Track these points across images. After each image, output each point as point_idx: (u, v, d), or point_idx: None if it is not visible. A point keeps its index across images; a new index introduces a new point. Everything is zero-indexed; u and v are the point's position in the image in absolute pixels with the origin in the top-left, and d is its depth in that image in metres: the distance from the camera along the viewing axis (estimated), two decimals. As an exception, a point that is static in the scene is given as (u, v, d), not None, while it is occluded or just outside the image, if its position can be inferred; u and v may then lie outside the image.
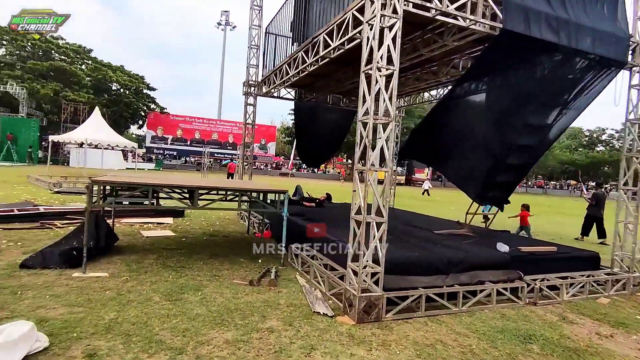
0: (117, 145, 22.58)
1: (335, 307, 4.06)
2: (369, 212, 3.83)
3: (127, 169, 31.10)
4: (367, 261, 3.76)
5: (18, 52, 35.51)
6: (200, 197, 5.97)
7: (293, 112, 63.27)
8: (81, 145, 27.22)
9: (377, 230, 3.77)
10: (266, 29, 9.72)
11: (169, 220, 8.61)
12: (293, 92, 10.26)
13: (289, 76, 7.56)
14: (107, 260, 5.13)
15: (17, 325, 2.73)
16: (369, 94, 3.75)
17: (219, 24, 51.89)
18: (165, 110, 44.59)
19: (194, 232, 7.76)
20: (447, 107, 5.39)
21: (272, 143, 50.49)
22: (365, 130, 3.78)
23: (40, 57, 35.21)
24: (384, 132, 3.78)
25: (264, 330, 3.38)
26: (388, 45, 3.73)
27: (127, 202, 6.80)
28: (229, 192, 6.11)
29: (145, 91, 42.72)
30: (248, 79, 9.79)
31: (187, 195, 5.77)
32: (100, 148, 24.70)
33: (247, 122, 9.89)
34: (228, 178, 22.16)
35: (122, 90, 40.65)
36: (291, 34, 8.95)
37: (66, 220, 7.33)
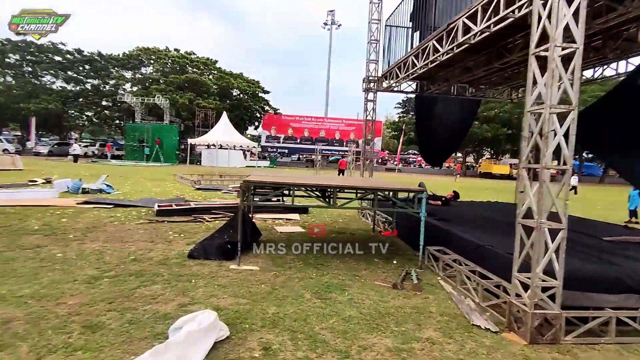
0: (241, 146, 24.83)
1: (495, 321, 3.64)
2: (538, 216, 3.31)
3: (247, 166, 34.16)
4: (540, 273, 3.26)
5: (161, 68, 41.80)
6: (329, 196, 6.07)
7: (401, 105, 61.65)
8: (208, 146, 30.76)
9: (553, 238, 3.24)
10: (386, 22, 9.48)
11: (295, 216, 9.03)
12: (413, 85, 9.84)
13: (416, 68, 7.19)
14: (254, 255, 5.52)
15: (205, 314, 3.01)
16: (543, 79, 3.23)
17: (325, 23, 53.29)
18: (278, 111, 47.66)
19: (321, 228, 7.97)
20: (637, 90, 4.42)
21: (378, 138, 50.05)
22: (538, 121, 3.27)
23: (177, 71, 40.88)
24: (561, 123, 3.22)
25: (424, 340, 3.17)
26: (567, 21, 3.15)
27: (274, 200, 7.26)
28: (360, 191, 6.06)
29: (260, 94, 46.25)
30: (368, 75, 9.67)
31: (319, 194, 5.90)
32: (227, 148, 27.55)
33: (367, 118, 9.79)
34: (339, 175, 22.60)
35: (241, 95, 44.70)
36: (411, 23, 8.56)
37: (212, 215, 8.20)
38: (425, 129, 10.64)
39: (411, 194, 5.61)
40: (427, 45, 6.48)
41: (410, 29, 8.72)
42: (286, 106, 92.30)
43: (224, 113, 25.32)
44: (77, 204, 8.81)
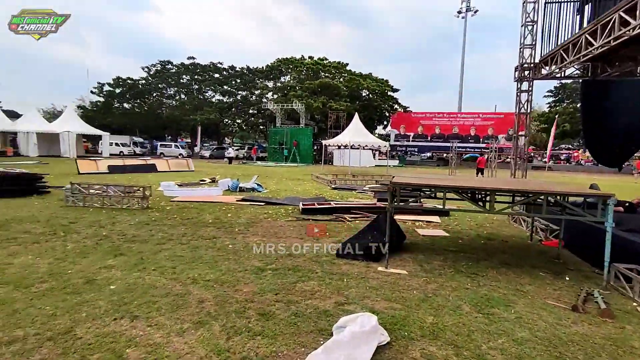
0: (373, 145, 25.06)
1: None
2: None
3: (376, 166, 34.32)
4: None
5: (298, 76, 45.33)
6: (482, 199, 5.53)
7: (552, 94, 53.47)
8: (339, 147, 31.87)
9: None
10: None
11: (435, 218, 8.58)
12: (574, 70, 8.31)
13: (592, 48, 6.02)
14: (400, 258, 5.41)
15: (366, 317, 3.04)
16: None
17: (459, 12, 49.77)
18: (408, 109, 46.64)
19: (467, 233, 7.38)
20: None
21: (522, 132, 44.40)
22: None
23: (312, 77, 43.73)
24: None
25: (630, 383, 2.57)
26: None
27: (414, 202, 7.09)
28: (520, 194, 5.36)
29: (389, 93, 45.97)
30: (522, 62, 8.57)
31: (469, 196, 5.43)
32: (357, 148, 28.16)
33: (520, 111, 8.69)
34: (477, 175, 20.79)
35: (370, 95, 45.22)
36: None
37: (352, 215, 8.41)
38: (596, 122, 8.87)
39: (588, 199, 4.70)
40: (611, 19, 5.34)
41: (579, 3, 7.41)
42: (414, 104, 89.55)
43: (356, 114, 25.93)
44: (237, 201, 10.12)
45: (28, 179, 10.30)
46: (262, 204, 9.84)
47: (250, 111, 49.92)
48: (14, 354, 2.68)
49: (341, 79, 43.98)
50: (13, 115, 38.77)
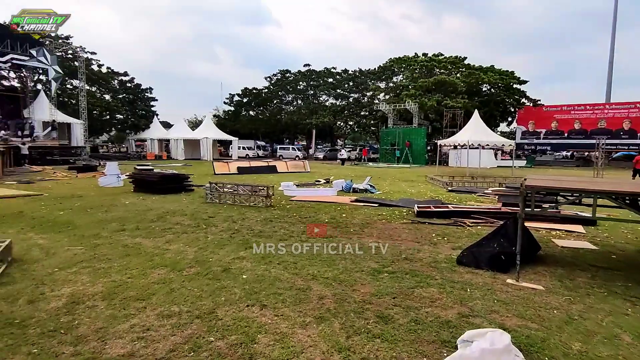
0: (495, 144, 22.90)
1: None
2: None
3: (498, 167, 31.21)
4: None
5: (411, 75, 44.11)
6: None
7: None
8: (455, 147, 29.83)
9: None
10: None
11: (579, 228, 7.37)
12: None
13: None
14: (533, 270, 4.79)
15: (497, 334, 2.76)
16: None
17: (608, -16, 41.96)
18: (539, 102, 41.32)
19: (622, 247, 6.15)
20: None
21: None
22: None
23: (425, 75, 42.09)
24: None
25: None
26: None
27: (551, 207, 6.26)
28: None
29: (515, 86, 41.40)
30: None
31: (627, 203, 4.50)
32: (477, 148, 26.03)
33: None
34: (634, 177, 17.20)
35: (492, 89, 41.41)
36: None
37: (473, 220, 7.78)
38: None
39: None
40: None
41: None
42: (545, 97, 78.71)
43: (475, 111, 24.01)
44: (351, 201, 10.30)
45: (179, 178, 12.22)
46: (376, 205, 9.82)
47: (362, 113, 50.46)
48: (172, 326, 3.18)
49: (458, 75, 41.30)
50: (167, 125, 46.56)
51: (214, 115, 57.50)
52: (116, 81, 45.04)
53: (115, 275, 4.36)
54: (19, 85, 31.59)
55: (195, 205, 9.53)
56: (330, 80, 51.19)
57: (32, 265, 4.69)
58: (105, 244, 5.71)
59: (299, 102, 53.71)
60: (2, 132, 25.87)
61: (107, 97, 43.90)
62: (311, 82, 52.04)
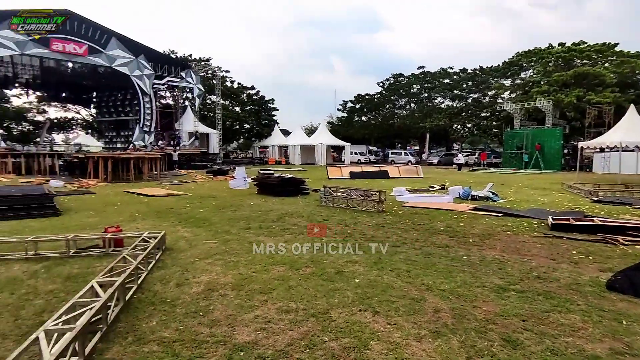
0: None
1: None
2: None
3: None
4: None
5: (543, 69, 38.98)
6: None
7: None
8: (602, 149, 25.15)
9: None
10: None
11: None
12: None
13: None
14: None
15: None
16: None
17: None
18: None
19: None
20: None
21: None
22: None
23: (562, 67, 36.71)
24: None
25: None
26: None
27: None
28: None
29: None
30: None
31: None
32: (632, 151, 21.59)
33: None
34: None
35: (654, 79, 33.97)
36: None
37: (630, 238, 6.43)
38: None
39: None
40: None
41: None
42: None
43: (631, 106, 19.91)
44: (470, 210, 9.55)
45: (296, 182, 13.04)
46: (499, 214, 8.90)
47: (482, 114, 46.55)
48: (290, 321, 3.37)
49: (606, 65, 34.98)
50: (286, 133, 50.20)
51: (328, 122, 59.89)
52: (244, 94, 50.47)
53: (242, 268, 4.85)
54: (172, 102, 38.03)
55: (311, 207, 10.02)
56: (447, 81, 48.60)
57: (179, 254, 5.52)
58: (234, 240, 6.40)
59: (412, 105, 52.32)
60: (160, 141, 31.35)
61: (237, 109, 49.49)
62: (425, 85, 50.22)
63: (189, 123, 35.16)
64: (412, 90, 51.77)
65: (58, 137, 42.85)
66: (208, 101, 44.84)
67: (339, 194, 10.60)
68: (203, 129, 36.20)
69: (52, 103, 43.09)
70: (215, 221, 8.08)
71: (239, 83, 49.80)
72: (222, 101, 41.50)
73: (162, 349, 2.87)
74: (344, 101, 57.56)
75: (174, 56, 40.97)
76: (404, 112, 52.91)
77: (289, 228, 7.41)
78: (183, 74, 32.63)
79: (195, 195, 12.64)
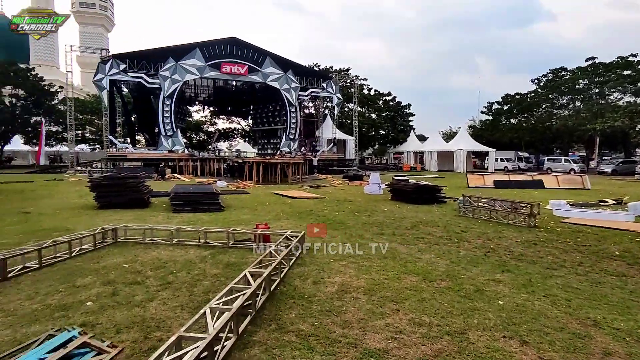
0: None
1: None
2: None
3: None
4: None
5: None
6: None
7: None
8: None
9: None
10: None
11: None
12: None
13: None
14: None
15: None
16: None
17: None
18: None
19: None
20: None
21: None
22: None
23: None
24: None
25: None
26: None
27: None
28: None
29: None
30: None
31: None
32: None
33: None
34: None
35: None
36: None
37: None
38: None
39: None
40: None
41: None
42: None
43: None
44: (661, 232, 7.54)
45: (432, 189, 12.49)
46: None
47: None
48: (422, 335, 3.22)
49: None
50: (422, 138, 48.67)
51: (470, 126, 55.55)
52: (381, 101, 50.91)
53: (374, 274, 4.87)
54: (314, 111, 41.08)
55: (448, 217, 9.44)
56: (627, 72, 39.58)
57: (317, 253, 5.89)
58: (367, 245, 6.49)
59: (577, 104, 44.29)
60: (303, 148, 34.17)
61: (373, 115, 50.23)
62: (596, 79, 41.91)
63: (328, 130, 37.37)
64: (577, 87, 43.88)
65: (223, 145, 50.88)
66: (346, 109, 46.81)
67: (480, 204, 9.71)
68: (341, 135, 37.95)
69: (220, 116, 51.54)
70: (350, 225, 8.35)
71: (375, 90, 50.55)
72: (359, 108, 42.75)
73: (299, 341, 3.10)
74: (488, 103, 52.56)
75: (316, 69, 44.16)
76: (566, 112, 45.16)
77: (423, 237, 7.13)
78: (324, 85, 34.93)
79: (332, 199, 13.31)
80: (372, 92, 50.01)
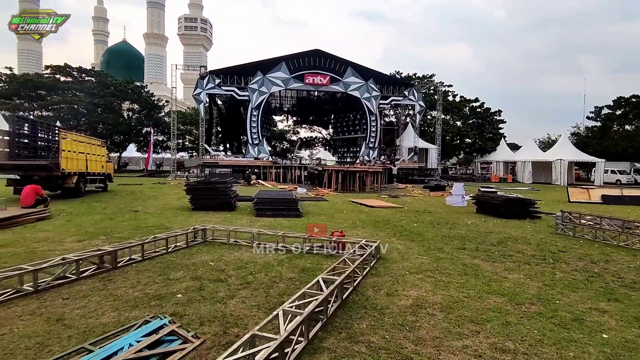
0: None
1: None
2: None
3: None
4: None
5: None
6: None
7: None
8: None
9: None
10: None
11: None
12: None
13: None
14: None
15: None
16: None
17: None
18: None
19: None
20: None
21: None
22: None
23: None
24: None
25: None
26: None
27: None
28: None
29: None
30: None
31: None
32: None
33: None
34: None
35: None
36: None
37: None
38: None
39: None
40: None
41: None
42: None
43: None
44: None
45: (524, 203, 11.39)
46: None
47: None
48: (506, 363, 2.93)
49: None
50: (514, 147, 44.86)
51: (572, 134, 49.64)
52: (467, 108, 48.17)
53: (453, 290, 4.58)
54: (395, 119, 40.44)
55: (542, 234, 8.50)
56: None
57: (391, 264, 5.74)
58: (446, 259, 6.14)
59: None
60: (382, 157, 33.78)
61: (458, 123, 47.72)
62: None
63: (409, 139, 36.42)
64: None
65: (305, 153, 52.65)
66: (428, 117, 45.21)
67: (583, 221, 8.58)
68: (422, 144, 36.69)
69: (303, 125, 53.49)
70: (428, 237, 7.99)
71: (461, 96, 48.02)
72: (443, 116, 40.97)
73: (369, 352, 3.04)
74: (596, 107, 46.56)
75: (398, 77, 43.50)
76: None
77: (512, 255, 6.52)
78: (406, 93, 34.21)
79: (410, 209, 12.90)
80: (457, 99, 47.61)
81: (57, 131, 15.34)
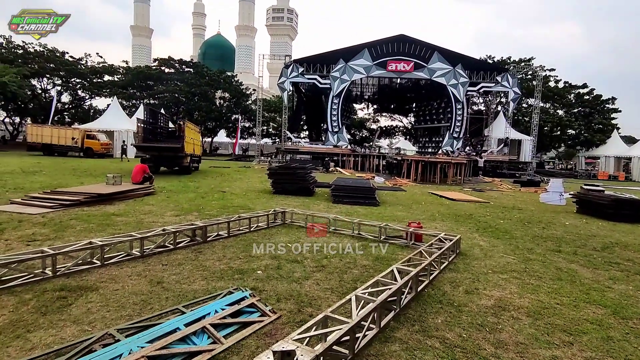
0: None
1: None
2: None
3: None
4: None
5: None
6: None
7: None
8: None
9: None
10: None
11: None
12: None
13: None
14: None
15: None
16: None
17: None
18: None
19: None
20: None
21: None
22: None
23: None
24: None
25: None
26: None
27: None
28: None
29: None
30: None
31: None
32: None
33: None
34: None
35: None
36: None
37: None
38: None
39: None
40: None
41: None
42: None
43: None
44: None
45: (637, 205, 9.83)
46: None
47: None
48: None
49: None
50: (630, 140, 38.78)
51: None
52: (572, 95, 42.69)
53: (543, 295, 4.17)
54: (484, 108, 37.53)
55: (661, 243, 7.28)
56: None
57: (472, 261, 5.41)
58: (537, 261, 5.60)
59: None
60: (468, 147, 31.73)
61: (560, 112, 42.60)
62: None
63: (499, 129, 33.55)
64: None
65: (384, 142, 51.70)
66: (524, 105, 41.13)
67: None
68: (515, 135, 33.55)
69: (383, 114, 52.47)
70: (517, 235, 7.35)
71: (565, 82, 42.66)
72: (542, 104, 36.92)
73: (443, 349, 2.92)
74: None
75: (490, 61, 40.13)
76: None
77: (619, 263, 5.70)
78: (499, 78, 31.40)
79: (497, 205, 11.97)
80: (560, 85, 42.45)
81: (181, 122, 18.86)
